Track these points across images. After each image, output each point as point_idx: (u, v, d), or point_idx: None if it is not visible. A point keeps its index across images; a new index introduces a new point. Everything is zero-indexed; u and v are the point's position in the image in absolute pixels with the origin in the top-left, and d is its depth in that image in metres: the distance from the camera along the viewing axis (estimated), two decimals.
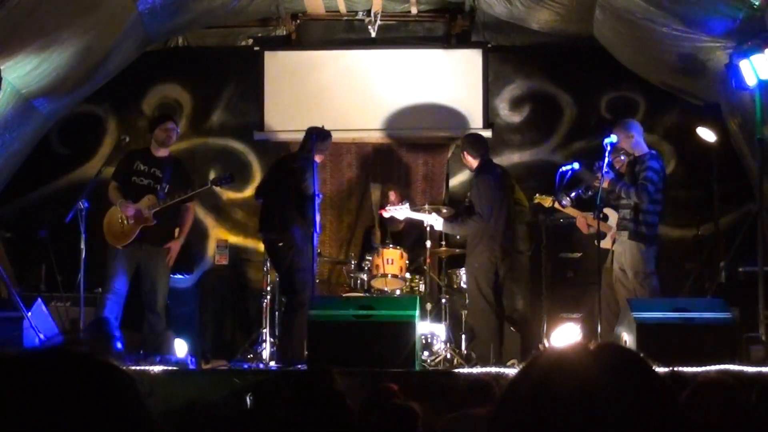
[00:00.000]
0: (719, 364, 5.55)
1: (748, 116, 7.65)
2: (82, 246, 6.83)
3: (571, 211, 7.68)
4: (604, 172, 6.98)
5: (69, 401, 0.99)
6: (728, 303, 6.43)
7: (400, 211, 7.77)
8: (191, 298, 8.95)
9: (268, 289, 7.86)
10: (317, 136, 7.35)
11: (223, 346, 8.62)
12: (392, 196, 8.56)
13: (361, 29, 9.37)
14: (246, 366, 7.29)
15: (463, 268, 7.78)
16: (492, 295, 7.38)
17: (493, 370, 6.03)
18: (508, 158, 9.12)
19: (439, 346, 7.56)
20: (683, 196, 8.81)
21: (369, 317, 6.22)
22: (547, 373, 1.09)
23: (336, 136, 7.90)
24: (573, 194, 7.42)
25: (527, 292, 8.98)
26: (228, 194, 9.20)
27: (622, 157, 7.28)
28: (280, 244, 7.18)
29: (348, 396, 3.65)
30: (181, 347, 8.00)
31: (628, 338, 6.26)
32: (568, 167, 7.29)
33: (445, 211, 8.02)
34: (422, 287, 8.00)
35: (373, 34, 9.26)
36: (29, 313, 6.27)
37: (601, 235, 7.29)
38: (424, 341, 7.29)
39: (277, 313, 7.87)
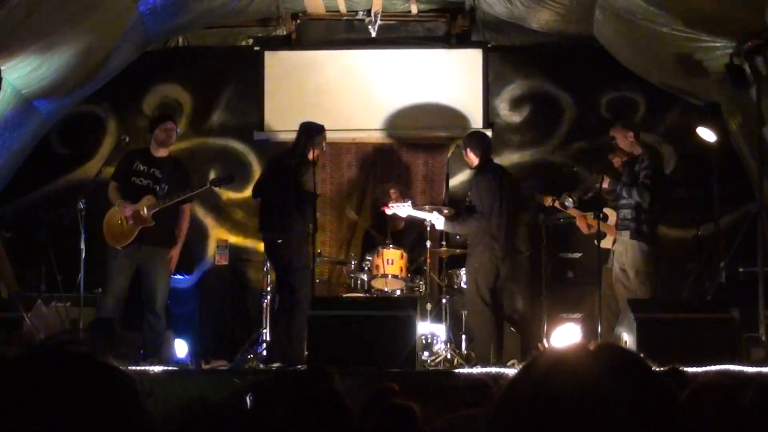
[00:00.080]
0: (719, 364, 5.55)
1: (748, 116, 7.66)
2: (82, 246, 6.84)
3: (572, 211, 7.69)
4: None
5: (68, 401, 0.99)
6: (728, 303, 6.44)
7: (403, 209, 7.77)
8: (191, 299, 8.94)
9: (268, 289, 7.85)
10: (309, 130, 7.34)
11: (223, 346, 8.60)
12: (394, 194, 8.55)
13: (361, 29, 9.36)
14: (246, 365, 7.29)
15: (464, 269, 7.78)
16: (489, 296, 7.36)
17: (493, 370, 6.04)
18: (508, 158, 9.11)
19: (439, 346, 7.55)
20: (683, 196, 8.80)
21: (369, 317, 6.21)
22: (546, 374, 1.09)
23: (336, 136, 7.89)
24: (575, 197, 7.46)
25: (527, 292, 8.97)
26: (228, 194, 9.18)
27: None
28: (279, 241, 7.17)
29: (348, 396, 3.65)
30: (181, 347, 8.01)
31: (628, 338, 6.26)
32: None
33: (446, 211, 8.02)
34: (423, 287, 7.99)
35: (374, 34, 9.26)
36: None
37: (601, 235, 7.30)
38: (424, 341, 7.29)
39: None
